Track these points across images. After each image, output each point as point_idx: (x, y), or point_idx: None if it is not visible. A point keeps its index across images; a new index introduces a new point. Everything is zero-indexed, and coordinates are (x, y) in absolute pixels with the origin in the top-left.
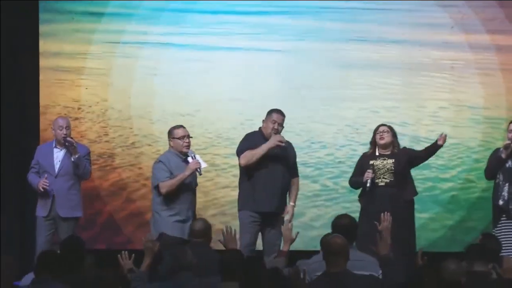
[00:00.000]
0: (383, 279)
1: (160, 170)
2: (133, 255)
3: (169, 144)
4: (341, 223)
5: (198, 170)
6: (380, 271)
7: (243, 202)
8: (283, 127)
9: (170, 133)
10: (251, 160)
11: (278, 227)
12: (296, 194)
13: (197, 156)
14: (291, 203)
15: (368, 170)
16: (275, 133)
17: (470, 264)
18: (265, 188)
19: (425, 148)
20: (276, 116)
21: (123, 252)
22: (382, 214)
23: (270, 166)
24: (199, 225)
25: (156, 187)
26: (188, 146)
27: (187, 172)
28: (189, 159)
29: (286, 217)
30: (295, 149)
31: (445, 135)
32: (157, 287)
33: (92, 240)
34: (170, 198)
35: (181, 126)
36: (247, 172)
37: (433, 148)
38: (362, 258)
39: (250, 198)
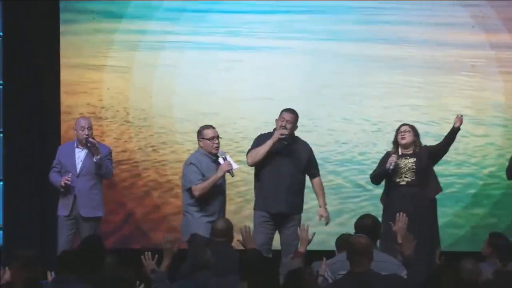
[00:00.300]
0: (407, 279)
1: (192, 172)
2: (156, 255)
3: (199, 144)
4: (364, 223)
5: (230, 171)
6: (405, 272)
7: (255, 202)
8: (296, 126)
9: (200, 133)
10: (256, 158)
11: (293, 227)
12: (323, 195)
13: (228, 157)
14: (322, 205)
15: (393, 155)
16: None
17: (504, 264)
18: (270, 186)
19: (444, 137)
20: (286, 114)
21: (146, 253)
22: (398, 214)
23: (274, 163)
24: (221, 225)
25: (189, 190)
26: (218, 147)
27: (219, 174)
28: (220, 160)
29: (322, 220)
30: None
31: (461, 116)
32: (176, 287)
33: (125, 240)
34: (202, 199)
35: (211, 127)
36: (256, 172)
37: (452, 134)
38: (385, 260)
39: (260, 197)
